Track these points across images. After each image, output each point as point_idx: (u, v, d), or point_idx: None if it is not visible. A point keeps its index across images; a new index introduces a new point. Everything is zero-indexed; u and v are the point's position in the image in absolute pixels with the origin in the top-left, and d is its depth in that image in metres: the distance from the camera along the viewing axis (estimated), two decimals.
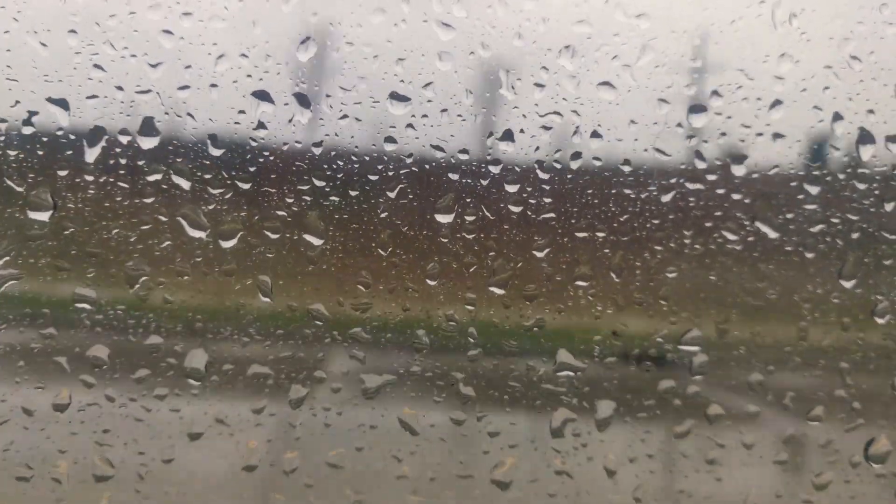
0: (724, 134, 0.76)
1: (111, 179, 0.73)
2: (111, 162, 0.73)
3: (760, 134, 0.76)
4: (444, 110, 0.73)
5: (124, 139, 0.72)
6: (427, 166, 0.74)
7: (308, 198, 0.74)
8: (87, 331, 0.74)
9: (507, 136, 0.74)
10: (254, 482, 0.77)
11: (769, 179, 0.77)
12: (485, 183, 0.74)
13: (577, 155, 0.75)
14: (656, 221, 0.76)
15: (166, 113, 0.72)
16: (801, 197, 0.77)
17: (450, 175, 0.74)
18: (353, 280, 0.75)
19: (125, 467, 0.76)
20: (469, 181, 0.74)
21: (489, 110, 0.74)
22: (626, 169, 0.76)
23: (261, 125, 0.73)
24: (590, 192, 0.75)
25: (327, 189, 0.74)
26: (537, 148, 0.74)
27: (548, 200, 0.75)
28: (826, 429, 0.81)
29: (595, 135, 0.74)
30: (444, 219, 0.75)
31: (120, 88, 0.72)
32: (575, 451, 0.79)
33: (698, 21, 0.75)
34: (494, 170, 0.74)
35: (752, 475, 0.82)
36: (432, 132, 0.74)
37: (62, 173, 0.72)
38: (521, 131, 0.74)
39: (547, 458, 0.79)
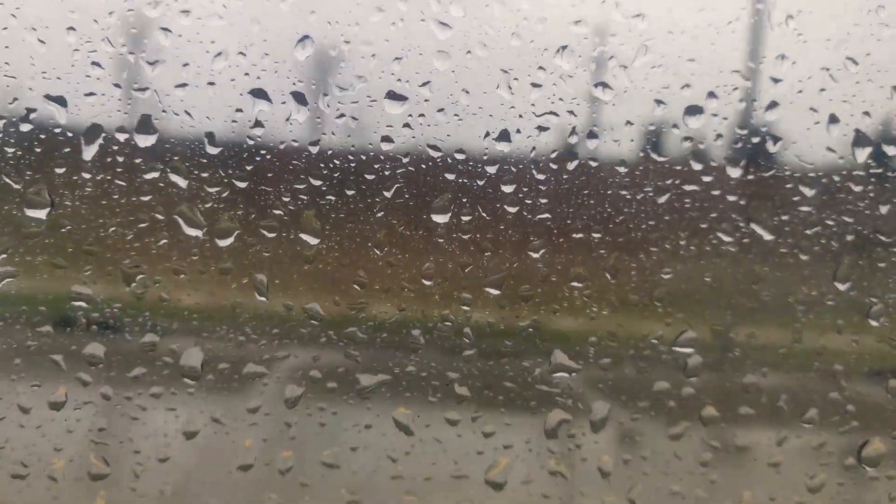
0: (720, 135, 0.76)
1: (108, 177, 0.73)
2: (108, 160, 0.73)
3: (756, 135, 0.76)
4: (440, 110, 0.73)
5: (122, 137, 0.72)
6: (423, 166, 0.74)
7: (305, 197, 0.74)
8: (83, 328, 0.75)
9: (504, 136, 0.74)
10: (249, 481, 0.77)
11: (764, 181, 0.77)
12: (481, 183, 0.75)
13: (573, 155, 0.75)
14: (652, 223, 0.76)
15: (164, 111, 0.73)
16: (796, 199, 0.77)
17: (446, 175, 0.74)
18: (349, 279, 0.75)
19: (120, 466, 0.76)
20: (465, 181, 0.75)
21: (486, 110, 0.74)
22: (622, 170, 0.76)
23: (258, 124, 0.73)
24: (585, 192, 0.76)
25: (324, 188, 0.74)
26: (534, 148, 0.74)
27: (544, 201, 0.75)
28: (820, 431, 0.81)
29: (591, 135, 0.75)
30: (440, 219, 0.75)
31: (118, 86, 0.72)
32: (569, 452, 0.79)
33: (695, 22, 0.75)
34: (491, 170, 0.75)
35: (746, 477, 0.82)
36: (429, 132, 0.74)
37: (59, 171, 0.73)
38: (518, 131, 0.74)
39: (541, 458, 0.79)
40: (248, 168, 0.73)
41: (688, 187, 0.76)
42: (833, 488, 0.82)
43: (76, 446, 0.76)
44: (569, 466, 0.79)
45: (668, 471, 0.81)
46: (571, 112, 0.74)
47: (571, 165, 0.75)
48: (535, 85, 0.74)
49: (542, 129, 0.74)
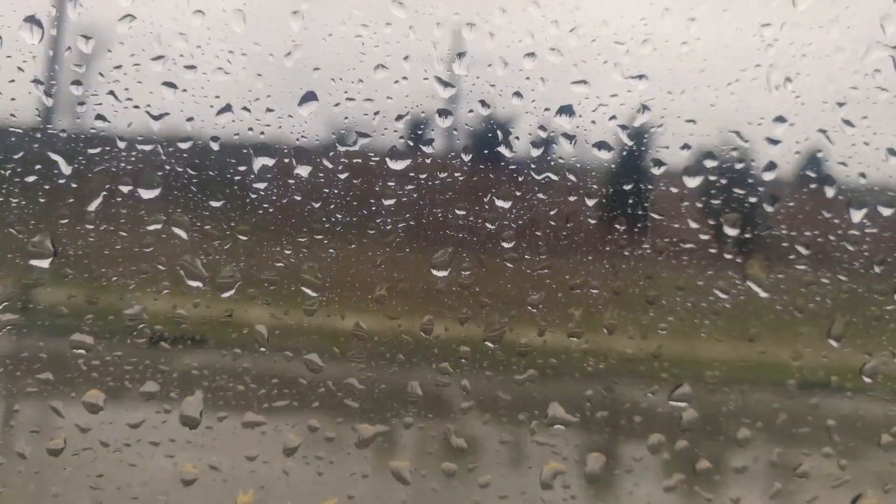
0: (716, 194, 0.77)
1: (111, 228, 0.74)
2: (112, 211, 0.74)
3: (754, 195, 0.77)
4: (442, 167, 0.74)
5: (125, 189, 0.73)
6: (424, 221, 0.75)
7: (306, 250, 0.75)
8: (83, 376, 0.75)
9: (504, 194, 0.75)
10: None
11: (761, 240, 0.78)
12: (481, 239, 0.75)
13: (573, 214, 0.76)
14: (649, 279, 0.77)
15: (167, 164, 0.73)
16: (791, 257, 0.78)
17: (447, 231, 0.75)
18: (349, 331, 0.76)
19: None
20: (466, 237, 0.75)
21: (487, 168, 0.75)
22: (621, 228, 0.77)
23: (260, 178, 0.74)
24: (584, 249, 0.76)
25: (325, 241, 0.75)
26: (533, 207, 0.75)
27: (542, 257, 0.76)
28: (813, 485, 0.82)
29: (591, 195, 0.76)
30: (440, 273, 0.75)
31: (122, 139, 0.73)
32: (564, 503, 0.80)
33: (694, 83, 0.76)
34: (491, 227, 0.75)
35: None
36: (431, 188, 0.75)
37: (63, 221, 0.73)
38: (518, 190, 0.75)
39: None
40: (251, 221, 0.74)
41: (685, 245, 0.77)
42: None
43: (74, 492, 0.76)
44: None
45: None
46: (570, 172, 0.75)
47: (571, 224, 0.76)
48: (535, 145, 0.75)
49: (542, 187, 0.75)
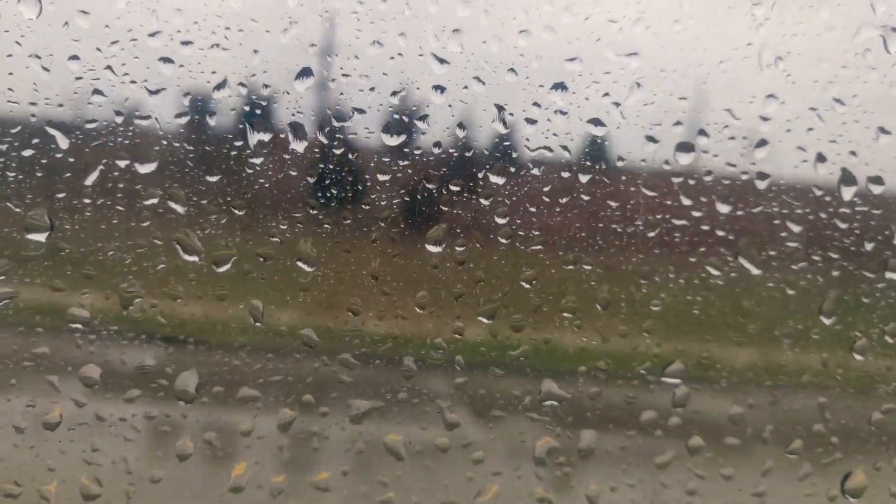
0: (709, 172, 0.77)
1: (108, 202, 0.74)
2: (108, 185, 0.74)
3: (745, 173, 0.78)
4: (437, 143, 0.75)
5: (122, 163, 0.74)
6: (419, 196, 0.76)
7: (301, 225, 0.75)
8: (79, 350, 0.75)
9: (499, 169, 0.76)
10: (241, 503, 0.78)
11: (753, 217, 0.79)
12: (475, 215, 0.76)
13: (566, 190, 0.76)
14: (642, 256, 0.78)
15: (164, 139, 0.74)
16: (783, 234, 0.79)
17: (441, 206, 0.76)
18: (344, 306, 0.77)
19: (113, 487, 0.77)
20: (460, 212, 0.76)
21: (481, 143, 0.76)
22: (614, 204, 0.77)
23: (257, 153, 0.74)
24: (577, 225, 0.77)
25: (320, 217, 0.75)
26: (528, 182, 0.76)
27: (536, 233, 0.77)
28: (804, 462, 0.82)
29: (584, 170, 0.76)
30: (434, 249, 0.76)
31: (119, 113, 0.73)
32: (557, 480, 0.80)
33: (687, 61, 0.76)
34: (485, 202, 0.76)
35: None
36: (425, 164, 0.75)
37: (60, 195, 0.74)
38: (512, 166, 0.76)
39: (529, 485, 0.80)
40: (247, 196, 0.75)
41: (677, 222, 0.78)
42: None
43: (69, 466, 0.77)
44: (557, 493, 0.80)
45: (655, 499, 0.82)
46: (565, 147, 0.76)
47: (564, 199, 0.77)
48: (529, 120, 0.75)
49: (536, 163, 0.76)
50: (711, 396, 0.82)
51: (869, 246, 0.79)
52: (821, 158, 0.78)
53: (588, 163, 0.76)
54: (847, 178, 0.78)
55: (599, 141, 0.76)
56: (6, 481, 0.76)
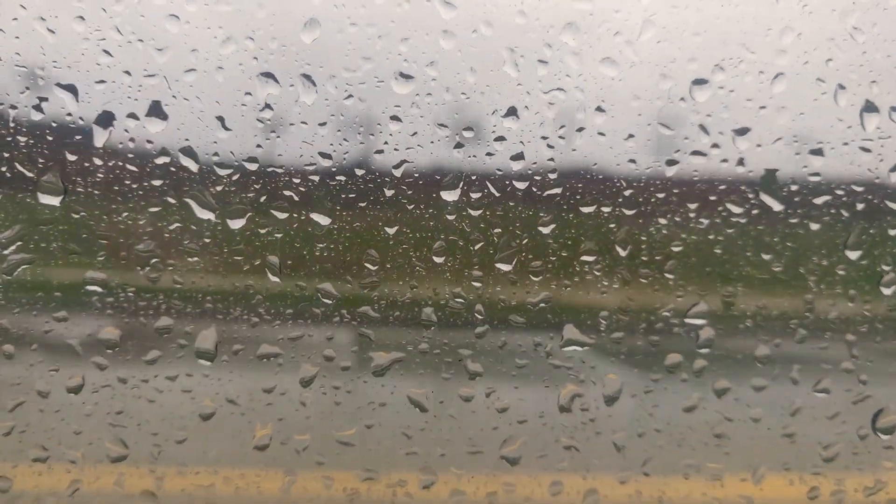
0: (726, 107, 0.76)
1: (120, 163, 0.74)
2: (120, 146, 0.74)
3: (763, 107, 0.76)
4: (447, 89, 0.74)
5: (132, 123, 0.73)
6: (432, 142, 0.75)
7: (314, 178, 0.75)
8: (98, 313, 0.75)
9: (512, 112, 0.74)
10: (265, 461, 0.78)
11: (773, 151, 0.77)
12: (489, 160, 0.75)
13: (581, 130, 0.75)
14: (661, 195, 0.77)
15: (174, 96, 0.73)
16: (804, 168, 0.77)
17: (455, 152, 0.75)
18: (361, 259, 0.76)
19: (139, 448, 0.77)
20: (474, 158, 0.75)
21: (493, 88, 0.74)
22: (630, 144, 0.76)
23: (267, 106, 0.74)
24: (594, 166, 0.76)
25: (334, 169, 0.75)
26: (541, 124, 0.75)
27: (552, 176, 0.76)
28: (833, 401, 0.81)
29: (599, 110, 0.75)
30: (449, 196, 0.75)
31: (127, 73, 0.73)
32: (583, 426, 0.80)
33: None
34: (499, 146, 0.75)
35: (760, 448, 0.82)
36: (437, 110, 0.74)
37: (72, 158, 0.73)
38: (526, 108, 0.75)
39: (555, 433, 0.79)
40: (259, 150, 0.74)
41: (696, 159, 0.76)
42: (848, 458, 0.82)
43: (95, 429, 0.77)
44: (583, 440, 0.80)
45: (682, 443, 0.81)
46: (578, 88, 0.75)
47: (579, 140, 0.75)
48: (541, 62, 0.74)
49: (549, 104, 0.75)
50: (736, 337, 0.80)
51: (894, 177, 0.77)
52: (841, 88, 0.76)
53: (603, 102, 0.75)
54: (869, 107, 0.76)
55: (613, 80, 0.75)
56: (34, 446, 0.76)
